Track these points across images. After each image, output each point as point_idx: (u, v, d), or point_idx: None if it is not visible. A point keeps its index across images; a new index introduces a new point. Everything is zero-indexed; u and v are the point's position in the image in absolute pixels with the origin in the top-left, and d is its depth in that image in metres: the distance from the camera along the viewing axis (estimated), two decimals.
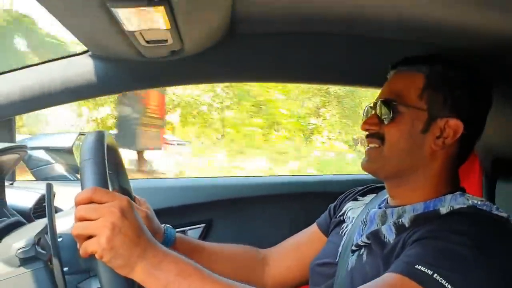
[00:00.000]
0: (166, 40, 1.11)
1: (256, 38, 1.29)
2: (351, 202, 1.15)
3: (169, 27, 0.99)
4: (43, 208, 1.41)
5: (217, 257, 1.12)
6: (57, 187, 1.53)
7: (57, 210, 1.50)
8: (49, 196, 0.85)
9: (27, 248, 0.95)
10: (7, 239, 1.00)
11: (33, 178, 1.77)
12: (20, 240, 0.97)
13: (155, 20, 0.95)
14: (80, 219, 0.73)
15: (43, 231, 0.94)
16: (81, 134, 1.80)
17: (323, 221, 1.19)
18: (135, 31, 1.02)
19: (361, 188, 1.18)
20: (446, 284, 0.74)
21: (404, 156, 0.94)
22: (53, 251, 0.83)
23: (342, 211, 1.14)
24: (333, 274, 1.00)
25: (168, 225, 1.08)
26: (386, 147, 0.94)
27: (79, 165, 0.78)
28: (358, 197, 1.16)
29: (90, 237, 0.73)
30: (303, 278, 1.14)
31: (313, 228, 1.20)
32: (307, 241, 1.18)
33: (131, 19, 0.94)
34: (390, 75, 1.02)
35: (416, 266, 0.77)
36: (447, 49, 1.05)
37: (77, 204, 0.74)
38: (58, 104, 1.39)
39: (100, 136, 0.81)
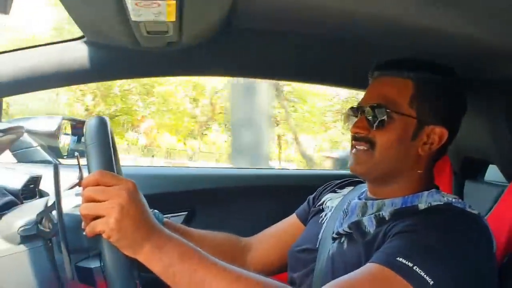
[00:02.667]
0: (167, 32, 1.14)
1: (250, 34, 1.32)
2: (330, 193, 1.19)
3: (174, 19, 1.03)
4: (30, 190, 1.42)
5: (201, 243, 1.14)
6: (40, 171, 1.54)
7: (43, 193, 1.51)
8: (57, 176, 0.87)
9: (29, 226, 0.98)
10: (7, 217, 1.02)
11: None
12: (21, 218, 0.99)
13: (162, 12, 0.99)
14: (88, 200, 0.77)
15: (46, 210, 0.96)
16: (64, 119, 1.80)
17: (302, 211, 1.24)
18: (139, 22, 1.05)
19: (339, 181, 1.23)
20: (425, 276, 0.78)
21: (393, 161, 0.98)
22: (61, 229, 0.86)
23: (321, 201, 1.18)
24: (312, 259, 1.04)
25: (155, 210, 1.11)
26: (377, 152, 0.98)
27: (85, 148, 0.82)
28: (336, 189, 1.20)
29: (96, 217, 0.76)
30: (282, 265, 1.18)
31: (292, 218, 1.25)
32: (286, 230, 1.23)
33: (140, 10, 0.97)
34: (375, 77, 1.04)
35: (397, 258, 0.81)
36: (426, 53, 1.09)
37: (85, 186, 0.77)
38: (49, 88, 1.40)
39: (103, 121, 0.84)
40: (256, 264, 1.20)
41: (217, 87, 9.47)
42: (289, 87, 8.99)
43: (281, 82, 8.07)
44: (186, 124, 9.81)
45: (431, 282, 0.78)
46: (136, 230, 0.76)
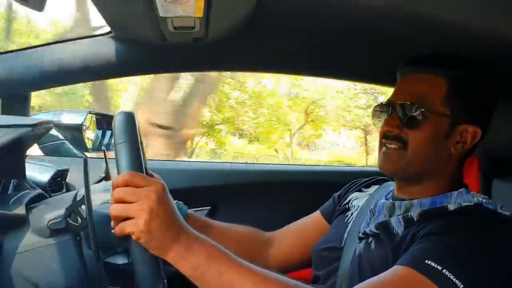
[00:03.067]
0: (193, 27, 1.14)
1: (275, 30, 1.31)
2: (356, 192, 1.19)
3: (202, 15, 1.03)
4: (57, 183, 1.44)
5: (225, 236, 1.15)
6: (67, 164, 1.57)
7: (70, 186, 1.53)
8: (86, 171, 0.88)
9: (58, 220, 0.99)
10: (37, 210, 1.04)
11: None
12: (50, 212, 1.01)
13: (190, 8, 0.99)
14: (118, 201, 0.78)
15: (75, 204, 0.98)
16: (90, 113, 1.81)
17: (327, 209, 1.23)
18: (167, 17, 1.05)
19: (365, 179, 1.22)
20: (454, 280, 0.77)
21: (425, 161, 0.97)
22: (90, 224, 0.87)
23: (347, 200, 1.18)
24: (337, 258, 1.04)
25: (180, 202, 1.11)
26: (410, 151, 0.96)
27: (114, 146, 0.81)
28: (362, 188, 1.19)
29: (126, 218, 0.77)
30: (304, 261, 1.18)
31: (316, 214, 1.24)
32: (310, 226, 1.23)
33: (168, 6, 0.97)
34: (404, 73, 1.02)
35: (426, 261, 0.80)
36: (457, 50, 1.08)
37: (115, 186, 0.78)
38: (76, 82, 1.42)
39: (131, 116, 0.84)
40: (277, 259, 1.20)
41: (314, 97, 10.51)
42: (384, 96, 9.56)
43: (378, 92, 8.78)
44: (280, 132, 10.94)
45: (461, 286, 0.77)
46: (165, 232, 0.77)
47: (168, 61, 1.40)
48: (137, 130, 0.83)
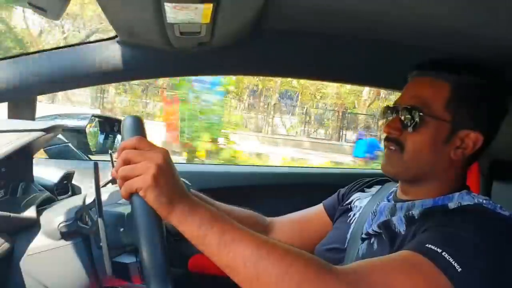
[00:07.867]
0: (199, 32, 1.16)
1: (279, 36, 1.33)
2: (358, 193, 1.20)
3: (208, 21, 1.05)
4: (63, 185, 1.46)
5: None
6: (71, 167, 1.58)
7: (75, 189, 1.54)
8: (97, 174, 0.90)
9: (69, 222, 1.01)
10: (47, 213, 1.05)
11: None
12: (61, 215, 1.02)
13: (197, 15, 1.00)
14: (126, 162, 0.78)
15: (86, 207, 0.99)
16: (94, 116, 1.83)
17: (330, 204, 1.24)
18: (174, 24, 1.07)
19: (367, 180, 1.24)
20: (453, 263, 0.78)
21: (424, 164, 0.98)
22: (101, 226, 0.88)
23: (349, 200, 1.19)
24: (341, 259, 1.05)
25: (184, 179, 1.06)
26: (407, 154, 0.98)
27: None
28: (364, 188, 1.21)
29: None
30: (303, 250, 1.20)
31: (319, 207, 1.26)
32: (312, 217, 1.25)
33: (176, 12, 0.99)
34: (413, 76, 1.03)
35: (427, 245, 0.81)
36: (464, 55, 1.07)
37: (123, 148, 0.79)
38: (82, 86, 1.43)
39: (139, 119, 0.84)
40: None
41: None
42: None
43: None
44: None
45: (459, 269, 0.78)
46: (171, 189, 0.77)
47: (173, 65, 1.41)
48: (145, 132, 0.83)
